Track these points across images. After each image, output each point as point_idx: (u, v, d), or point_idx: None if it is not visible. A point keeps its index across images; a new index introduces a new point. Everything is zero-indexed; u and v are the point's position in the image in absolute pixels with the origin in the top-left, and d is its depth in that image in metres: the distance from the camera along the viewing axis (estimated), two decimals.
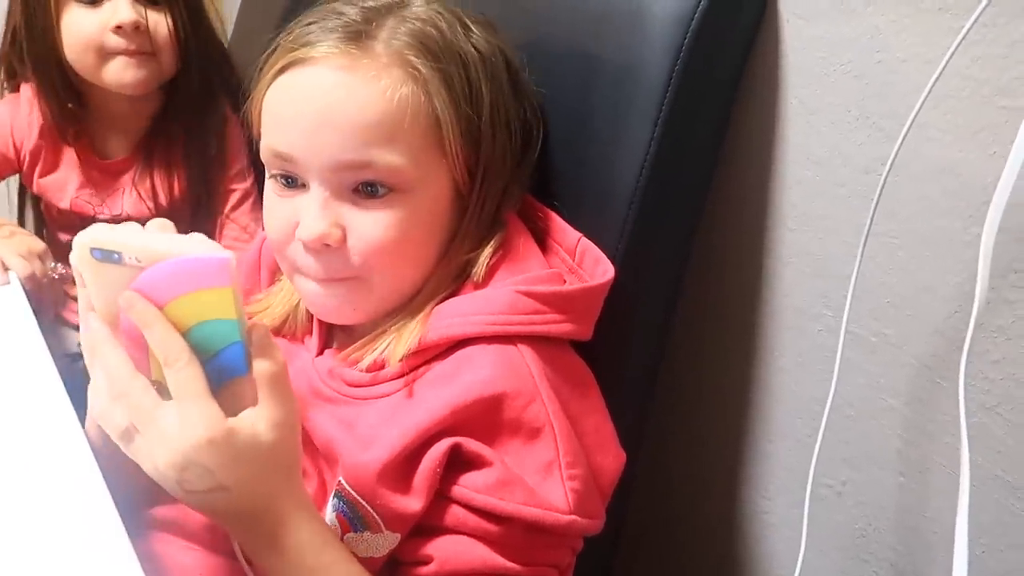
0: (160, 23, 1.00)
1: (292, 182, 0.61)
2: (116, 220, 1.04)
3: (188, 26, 1.02)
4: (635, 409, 0.74)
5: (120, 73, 1.00)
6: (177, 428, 0.48)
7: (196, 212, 1.09)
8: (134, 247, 0.49)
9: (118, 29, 0.97)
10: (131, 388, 0.49)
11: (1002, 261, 0.54)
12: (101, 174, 1.08)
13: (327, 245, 0.59)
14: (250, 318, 0.54)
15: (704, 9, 0.62)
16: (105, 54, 0.99)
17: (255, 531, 0.52)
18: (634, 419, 0.73)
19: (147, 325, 0.49)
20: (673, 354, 0.79)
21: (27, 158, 1.08)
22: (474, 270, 0.62)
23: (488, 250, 0.63)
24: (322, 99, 0.58)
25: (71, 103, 1.04)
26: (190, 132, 1.08)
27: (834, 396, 0.63)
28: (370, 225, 0.59)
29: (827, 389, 0.64)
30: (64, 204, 1.08)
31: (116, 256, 0.49)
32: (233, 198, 1.10)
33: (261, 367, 0.50)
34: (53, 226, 1.14)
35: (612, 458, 0.62)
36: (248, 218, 1.10)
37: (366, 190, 0.59)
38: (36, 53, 1.02)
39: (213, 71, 1.08)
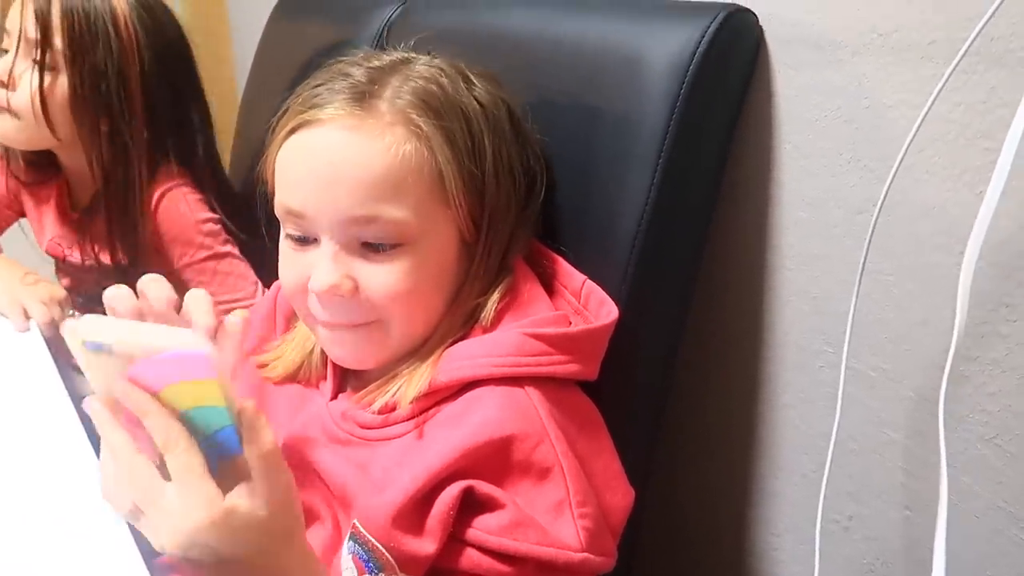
0: (24, 78, 0.97)
1: (304, 239, 0.63)
2: (86, 264, 1.07)
3: (52, 91, 0.97)
4: (642, 447, 0.74)
5: None
6: (180, 511, 0.48)
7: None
8: (120, 341, 0.49)
9: None
10: (133, 468, 0.50)
11: (993, 295, 0.56)
12: (70, 221, 1.10)
13: (339, 296, 0.61)
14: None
15: (699, 60, 0.65)
16: None
17: None
18: (641, 457, 0.73)
19: (144, 414, 0.49)
20: (678, 393, 0.80)
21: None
22: (483, 314, 0.64)
23: (496, 295, 0.65)
24: (330, 158, 0.60)
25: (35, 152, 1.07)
26: (117, 215, 1.03)
27: (837, 431, 0.64)
28: (380, 277, 0.61)
29: (830, 424, 0.64)
30: (43, 247, 1.11)
31: (106, 347, 0.49)
32: (207, 266, 1.06)
33: (251, 451, 0.50)
34: (58, 272, 1.17)
35: (621, 496, 0.63)
36: (234, 279, 1.07)
37: (373, 245, 0.61)
38: None
39: (133, 149, 1.02)
